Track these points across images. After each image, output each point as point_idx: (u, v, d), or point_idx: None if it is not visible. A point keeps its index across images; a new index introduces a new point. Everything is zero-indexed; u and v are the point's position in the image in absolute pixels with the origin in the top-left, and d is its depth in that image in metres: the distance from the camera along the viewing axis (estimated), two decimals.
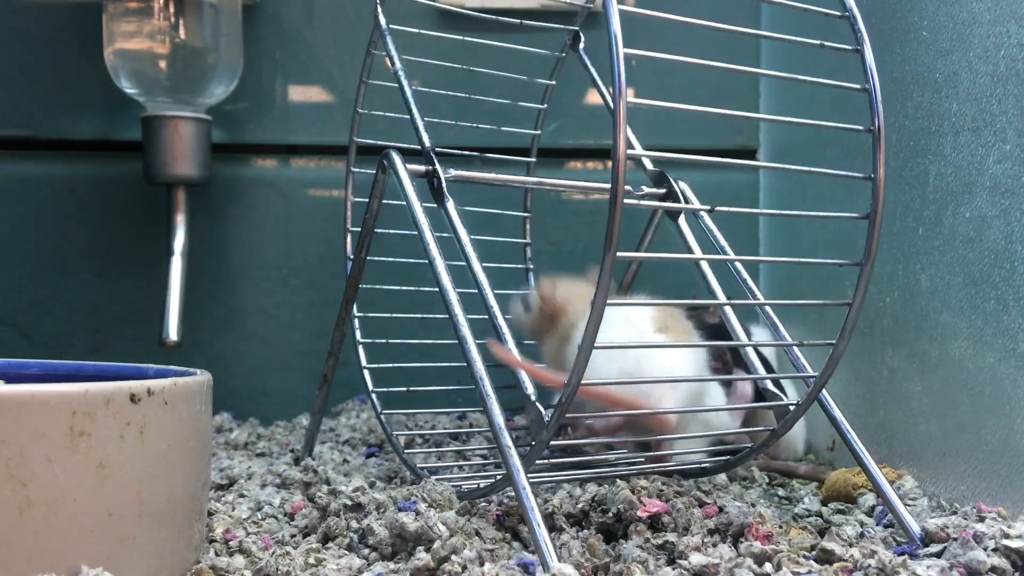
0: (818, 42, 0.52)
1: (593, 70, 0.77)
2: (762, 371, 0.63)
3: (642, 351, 0.66)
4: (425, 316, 0.79)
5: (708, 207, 0.53)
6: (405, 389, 0.75)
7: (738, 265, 0.66)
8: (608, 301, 0.46)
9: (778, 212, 0.60)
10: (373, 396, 0.75)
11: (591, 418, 0.67)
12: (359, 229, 0.68)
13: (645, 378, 0.64)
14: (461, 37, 0.78)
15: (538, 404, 0.53)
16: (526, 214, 0.90)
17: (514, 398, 0.83)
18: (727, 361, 0.75)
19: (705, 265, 0.67)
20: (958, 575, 0.47)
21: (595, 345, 0.47)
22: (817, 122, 0.52)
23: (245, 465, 0.74)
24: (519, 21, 0.79)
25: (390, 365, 0.77)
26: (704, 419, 0.69)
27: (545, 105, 0.87)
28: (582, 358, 0.48)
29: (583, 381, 0.49)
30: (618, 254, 0.45)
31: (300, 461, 0.74)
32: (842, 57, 0.52)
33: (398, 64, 0.69)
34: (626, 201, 0.44)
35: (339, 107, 1.00)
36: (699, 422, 0.69)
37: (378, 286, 0.76)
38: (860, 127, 0.51)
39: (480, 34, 0.80)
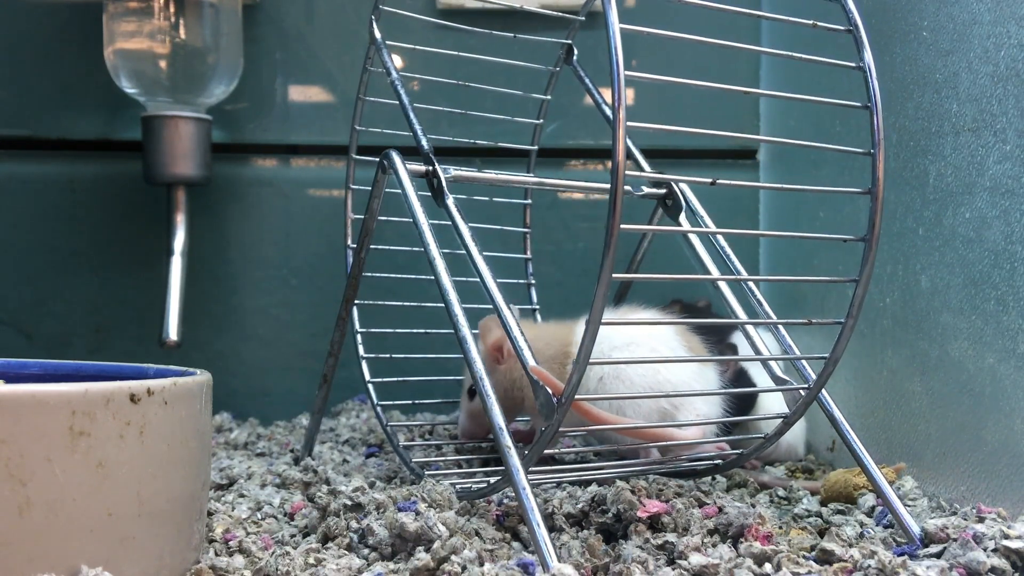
0: (821, 58, 0.52)
1: (588, 81, 0.77)
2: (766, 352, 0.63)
3: (670, 374, 0.66)
4: (424, 315, 0.79)
5: (709, 180, 0.53)
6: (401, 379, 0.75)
7: (738, 265, 0.66)
8: (603, 320, 0.46)
9: (778, 186, 0.60)
10: (370, 387, 0.75)
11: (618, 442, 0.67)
12: (360, 217, 0.67)
13: (675, 404, 0.65)
14: (457, 53, 0.78)
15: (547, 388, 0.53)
16: (526, 230, 0.88)
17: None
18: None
19: (710, 263, 0.67)
20: (958, 575, 0.47)
21: (591, 361, 0.47)
22: (821, 99, 0.52)
23: (245, 465, 0.74)
24: (513, 35, 0.79)
25: (388, 356, 0.77)
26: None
27: (541, 120, 0.86)
28: (580, 367, 0.48)
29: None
30: (613, 275, 0.45)
31: (300, 461, 0.74)
32: (841, 51, 0.52)
33: (395, 75, 0.68)
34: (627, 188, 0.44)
35: (339, 107, 1.00)
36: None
37: (379, 274, 0.76)
38: (857, 103, 0.50)
39: (479, 38, 0.79)
